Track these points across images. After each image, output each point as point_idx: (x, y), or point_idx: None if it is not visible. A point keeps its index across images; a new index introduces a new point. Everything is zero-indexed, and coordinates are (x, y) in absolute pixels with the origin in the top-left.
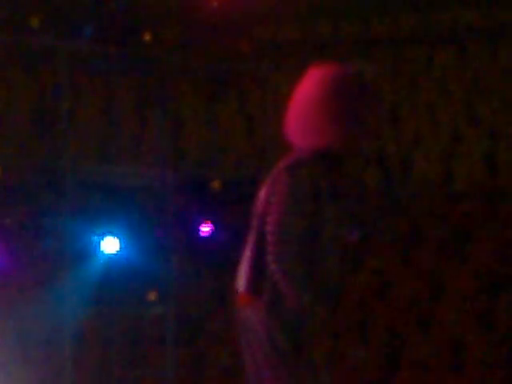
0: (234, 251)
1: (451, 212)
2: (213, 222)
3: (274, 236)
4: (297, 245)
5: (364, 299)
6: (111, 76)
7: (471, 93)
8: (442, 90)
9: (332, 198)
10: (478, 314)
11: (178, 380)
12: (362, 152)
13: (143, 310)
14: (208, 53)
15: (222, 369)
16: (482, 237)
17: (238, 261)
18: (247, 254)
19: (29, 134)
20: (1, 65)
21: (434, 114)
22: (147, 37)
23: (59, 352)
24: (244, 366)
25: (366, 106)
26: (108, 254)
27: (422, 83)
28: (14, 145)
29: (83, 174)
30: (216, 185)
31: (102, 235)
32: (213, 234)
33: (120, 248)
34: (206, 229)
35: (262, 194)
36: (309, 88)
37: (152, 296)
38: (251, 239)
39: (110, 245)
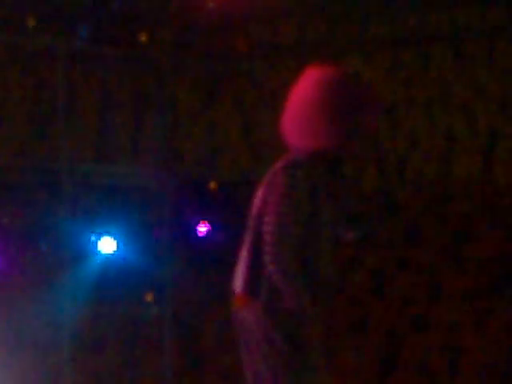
0: (231, 251)
1: (449, 212)
2: (210, 222)
3: (271, 236)
4: (294, 245)
5: (362, 299)
6: (108, 76)
7: (468, 93)
8: (439, 90)
9: (328, 199)
10: (477, 314)
11: (177, 380)
12: (359, 153)
13: (141, 310)
14: (204, 53)
15: (220, 369)
16: (480, 236)
17: (234, 261)
18: (244, 255)
19: (26, 134)
20: None
21: (431, 114)
22: (144, 37)
23: (57, 352)
24: (242, 367)
25: (362, 106)
26: (105, 254)
27: (418, 83)
28: (11, 145)
29: (80, 175)
30: (213, 185)
31: (99, 235)
32: (210, 234)
33: (117, 248)
34: (202, 229)
35: (259, 194)
36: (305, 89)
37: (149, 296)
38: (248, 239)
39: (107, 245)
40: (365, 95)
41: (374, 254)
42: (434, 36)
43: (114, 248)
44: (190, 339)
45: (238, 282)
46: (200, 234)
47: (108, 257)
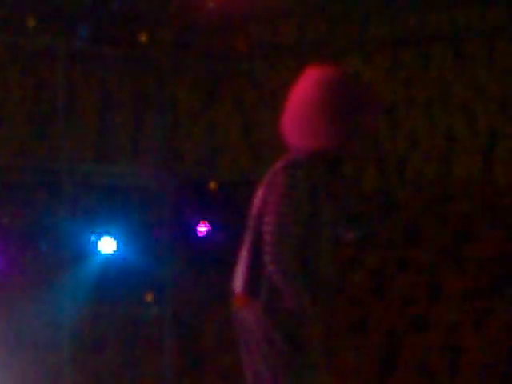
0: (231, 251)
1: (449, 212)
2: (210, 222)
3: (271, 236)
4: (294, 245)
5: (362, 299)
6: (108, 76)
7: (468, 93)
8: (439, 90)
9: (328, 199)
10: (477, 314)
11: (177, 380)
12: (359, 153)
13: (141, 310)
14: (204, 53)
15: (220, 369)
16: (480, 236)
17: (234, 261)
18: (244, 255)
19: (26, 134)
20: None
21: (431, 114)
22: (144, 37)
23: (57, 352)
24: (242, 367)
25: (362, 106)
26: (105, 254)
27: (418, 83)
28: (11, 145)
29: (80, 175)
30: (213, 185)
31: (99, 235)
32: (210, 234)
33: (117, 248)
34: (202, 229)
35: (259, 194)
36: (305, 89)
37: (149, 296)
38: (248, 239)
39: (107, 245)
40: (365, 95)
41: (374, 253)
42: (434, 36)
43: (114, 248)
44: (190, 339)
45: (238, 281)
46: (200, 234)
47: (108, 257)
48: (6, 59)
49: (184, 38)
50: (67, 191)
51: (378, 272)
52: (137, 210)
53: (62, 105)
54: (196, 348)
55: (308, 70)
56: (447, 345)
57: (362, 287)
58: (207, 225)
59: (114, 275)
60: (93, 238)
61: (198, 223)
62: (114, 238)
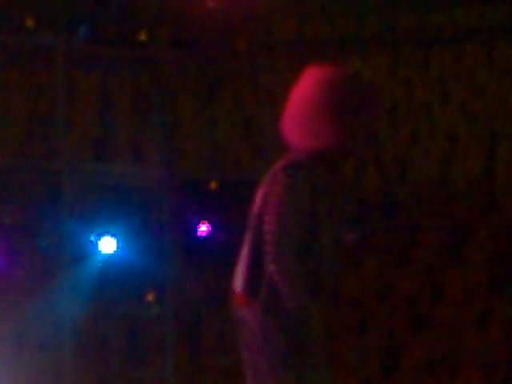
0: (232, 251)
1: (449, 212)
2: (210, 222)
3: (272, 236)
4: (294, 245)
5: (362, 299)
6: (108, 76)
7: (468, 93)
8: (439, 90)
9: (328, 199)
10: (477, 314)
11: (177, 379)
12: (360, 153)
13: (142, 310)
14: (204, 53)
15: (221, 369)
16: (481, 236)
17: (235, 261)
18: (244, 254)
19: (26, 134)
20: None
21: (432, 114)
22: (143, 37)
23: (58, 352)
24: (242, 367)
25: (363, 106)
26: (105, 254)
27: (418, 83)
28: (11, 145)
29: (80, 174)
30: (213, 185)
31: (100, 235)
32: (210, 234)
33: (117, 248)
34: (203, 229)
35: (259, 194)
36: (306, 89)
37: (150, 296)
38: (248, 239)
39: (108, 245)
40: (365, 95)
41: (374, 254)
42: (434, 36)
43: (115, 248)
44: (190, 338)
45: (239, 281)
46: (200, 234)
47: (108, 257)
48: (6, 59)
49: (184, 38)
50: (67, 191)
51: (378, 272)
52: (137, 210)
53: (62, 105)
54: (197, 347)
55: (308, 70)
56: (447, 345)
57: (362, 287)
58: (208, 225)
59: (114, 275)
60: (93, 238)
61: (198, 223)
62: (115, 238)
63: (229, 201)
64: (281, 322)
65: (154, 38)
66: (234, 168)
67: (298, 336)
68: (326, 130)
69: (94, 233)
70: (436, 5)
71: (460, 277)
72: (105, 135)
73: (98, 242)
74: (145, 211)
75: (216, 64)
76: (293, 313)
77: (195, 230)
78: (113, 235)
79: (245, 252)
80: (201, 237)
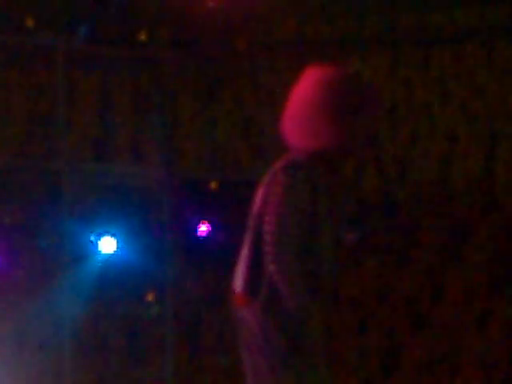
0: (232, 251)
1: (449, 212)
2: (210, 222)
3: (272, 236)
4: (294, 245)
5: (362, 299)
6: (108, 76)
7: (468, 93)
8: (439, 90)
9: (328, 199)
10: (477, 314)
11: (178, 380)
12: (360, 153)
13: (142, 310)
14: (204, 53)
15: (221, 369)
16: (481, 236)
17: (235, 261)
18: (244, 254)
19: (25, 133)
20: None
21: (432, 114)
22: (143, 37)
23: (58, 352)
24: (242, 367)
25: (363, 106)
26: (105, 254)
27: (418, 83)
28: (11, 145)
29: (80, 174)
30: (213, 185)
31: (100, 235)
32: (210, 234)
33: (117, 248)
34: (203, 229)
35: (259, 194)
36: (306, 89)
37: (150, 296)
38: (248, 239)
39: (108, 245)
40: (365, 95)
41: (374, 254)
42: (434, 36)
43: (115, 248)
44: (190, 338)
45: (238, 281)
46: (200, 234)
47: (108, 257)
48: (6, 59)
49: (184, 38)
50: (67, 191)
51: (378, 272)
52: (137, 210)
53: (62, 105)
54: (196, 347)
55: (308, 70)
56: (447, 345)
57: (362, 287)
58: (208, 225)
59: (114, 275)
60: (93, 238)
61: (198, 223)
62: (115, 238)
63: (229, 201)
64: (281, 322)
65: (154, 38)
66: (233, 168)
67: (298, 336)
68: (326, 130)
69: (93, 233)
70: (436, 5)
71: (460, 277)
72: (105, 135)
73: (98, 242)
74: (145, 211)
75: (216, 64)
76: (293, 313)
77: (195, 230)
78: (113, 235)
79: (245, 252)
80: (201, 237)
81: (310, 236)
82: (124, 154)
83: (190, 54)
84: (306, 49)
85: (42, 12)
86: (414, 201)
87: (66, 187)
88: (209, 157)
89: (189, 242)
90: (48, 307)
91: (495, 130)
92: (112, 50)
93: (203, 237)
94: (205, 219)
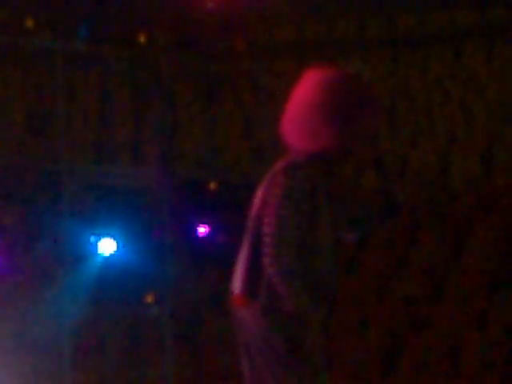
0: (231, 252)
1: (448, 211)
2: (209, 223)
3: (271, 238)
4: (294, 247)
5: (362, 299)
6: (108, 76)
7: (467, 93)
8: (438, 90)
9: (328, 200)
10: (477, 314)
11: (178, 380)
12: (360, 153)
13: (141, 311)
14: (204, 53)
15: (220, 369)
16: (480, 236)
17: (234, 262)
18: (243, 256)
19: (25, 134)
20: None
21: (431, 114)
22: (143, 37)
23: (58, 352)
24: (241, 367)
25: (363, 108)
26: (105, 255)
27: (418, 83)
28: (11, 145)
29: (80, 175)
30: (213, 186)
31: (99, 236)
32: (209, 235)
33: (117, 249)
34: (202, 230)
35: (259, 195)
36: (306, 91)
37: (150, 297)
38: (247, 240)
39: (107, 246)
40: (365, 96)
41: (374, 254)
42: (434, 36)
43: (114, 249)
44: (190, 339)
45: (237, 283)
46: (200, 235)
47: (108, 258)
48: (6, 59)
49: (184, 38)
50: (67, 191)
51: (378, 272)
52: (137, 211)
53: (62, 105)
54: (196, 348)
55: (309, 72)
56: (447, 345)
57: (362, 287)
58: (207, 226)
59: (114, 276)
60: (93, 239)
61: (197, 224)
62: (114, 239)
63: (228, 202)
64: (280, 324)
65: (154, 38)
66: (233, 169)
67: (297, 337)
68: (326, 132)
69: (93, 234)
70: (436, 5)
71: (460, 277)
72: (105, 135)
73: (98, 243)
74: (144, 212)
75: (216, 64)
76: (292, 314)
77: (194, 231)
78: (112, 236)
79: (244, 253)
80: (200, 238)
81: (309, 236)
82: (124, 155)
83: (190, 55)
84: (306, 50)
85: (42, 12)
86: (414, 200)
87: (66, 187)
88: (208, 157)
89: (188, 242)
90: (48, 307)
91: (494, 129)
92: (112, 50)
93: (202, 237)
94: (204, 220)
